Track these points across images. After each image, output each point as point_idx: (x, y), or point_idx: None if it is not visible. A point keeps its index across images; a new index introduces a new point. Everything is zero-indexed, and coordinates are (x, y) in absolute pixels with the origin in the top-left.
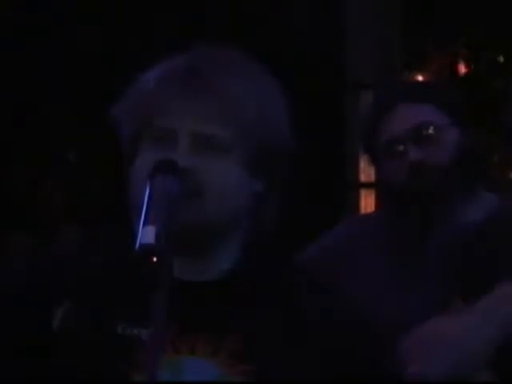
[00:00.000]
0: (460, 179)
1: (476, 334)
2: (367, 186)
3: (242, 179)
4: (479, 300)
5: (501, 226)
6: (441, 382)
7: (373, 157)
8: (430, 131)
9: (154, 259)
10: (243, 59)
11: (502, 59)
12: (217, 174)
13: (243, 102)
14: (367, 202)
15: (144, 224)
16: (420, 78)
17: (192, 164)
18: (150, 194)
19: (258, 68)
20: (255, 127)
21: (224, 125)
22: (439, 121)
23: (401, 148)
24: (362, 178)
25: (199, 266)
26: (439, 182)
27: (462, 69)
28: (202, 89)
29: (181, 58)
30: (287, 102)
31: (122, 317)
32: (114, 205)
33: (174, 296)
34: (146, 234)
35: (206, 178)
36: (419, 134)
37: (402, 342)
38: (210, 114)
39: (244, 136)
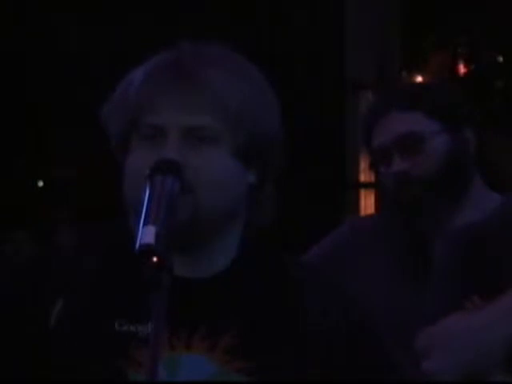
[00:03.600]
0: (446, 189)
1: (493, 333)
2: (367, 186)
3: (234, 169)
4: (495, 299)
5: (501, 228)
6: (454, 380)
7: (371, 160)
8: (415, 141)
9: (154, 259)
10: (227, 53)
11: (501, 59)
12: (210, 165)
13: (228, 91)
14: (367, 202)
15: (144, 224)
16: (420, 79)
17: (183, 158)
18: (149, 194)
19: (243, 61)
20: (242, 116)
21: (211, 115)
22: (427, 129)
23: (387, 158)
24: (362, 178)
25: (196, 262)
26: (424, 193)
27: (462, 69)
28: (186, 82)
29: (165, 55)
30: (276, 94)
31: (120, 313)
32: (113, 205)
33: (169, 292)
34: (146, 234)
35: (199, 171)
36: (404, 145)
37: (418, 339)
38: (196, 106)
39: (232, 125)
